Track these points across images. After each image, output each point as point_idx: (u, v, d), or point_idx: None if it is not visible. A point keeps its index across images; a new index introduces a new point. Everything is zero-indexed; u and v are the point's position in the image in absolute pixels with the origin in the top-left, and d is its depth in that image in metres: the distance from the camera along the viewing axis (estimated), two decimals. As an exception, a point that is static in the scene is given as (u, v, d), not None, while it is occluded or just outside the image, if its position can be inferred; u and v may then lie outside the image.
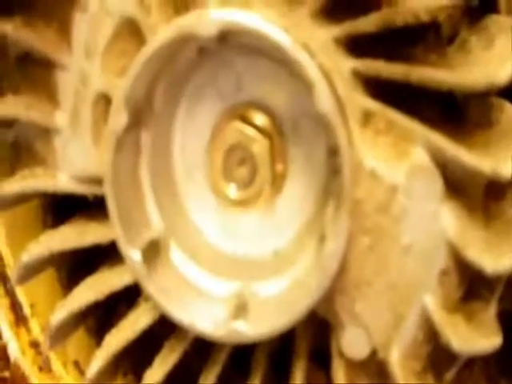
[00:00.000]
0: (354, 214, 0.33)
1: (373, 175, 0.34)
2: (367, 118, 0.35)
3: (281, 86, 0.38)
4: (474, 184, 0.33)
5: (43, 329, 0.47)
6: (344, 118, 0.34)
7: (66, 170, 0.41)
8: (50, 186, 0.42)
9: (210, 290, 0.39)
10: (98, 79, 0.39)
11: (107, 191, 0.38)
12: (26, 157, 0.43)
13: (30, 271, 0.43)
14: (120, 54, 0.39)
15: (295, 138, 0.39)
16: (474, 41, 0.36)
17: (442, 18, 0.34)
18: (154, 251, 0.39)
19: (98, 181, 0.40)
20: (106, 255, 0.43)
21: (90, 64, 0.39)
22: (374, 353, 0.35)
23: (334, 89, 0.34)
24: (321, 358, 0.40)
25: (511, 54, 0.32)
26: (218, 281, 0.39)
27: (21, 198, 0.43)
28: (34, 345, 0.47)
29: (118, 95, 0.36)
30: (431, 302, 0.33)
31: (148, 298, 0.40)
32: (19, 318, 0.47)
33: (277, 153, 0.39)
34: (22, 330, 0.47)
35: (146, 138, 0.40)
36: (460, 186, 0.33)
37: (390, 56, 0.34)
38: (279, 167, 0.39)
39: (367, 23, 0.34)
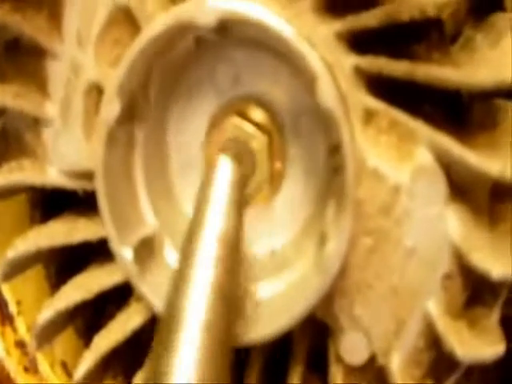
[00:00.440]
0: (355, 215, 0.32)
1: (375, 174, 0.33)
2: (369, 116, 0.34)
3: (281, 81, 0.37)
4: (479, 186, 0.32)
5: (29, 328, 0.46)
6: (346, 114, 0.33)
7: (56, 163, 0.40)
8: (39, 180, 0.40)
9: (205, 291, 0.38)
10: (91, 69, 0.38)
11: (98, 186, 0.37)
12: (15, 148, 0.41)
13: (16, 268, 0.41)
14: (113, 43, 0.38)
15: (294, 135, 0.38)
16: (480, 39, 0.35)
17: (445, 15, 0.34)
18: (147, 250, 0.38)
19: (88, 175, 0.38)
20: (95, 253, 0.42)
21: (82, 53, 0.38)
22: (373, 358, 0.34)
23: (337, 84, 0.33)
24: (315, 360, 0.40)
25: (520, 52, 0.31)
26: (213, 281, 0.38)
27: (6, 192, 0.41)
28: (20, 344, 0.46)
29: (111, 84, 0.35)
30: (434, 307, 0.32)
31: (140, 298, 0.39)
32: (4, 317, 0.46)
33: (276, 150, 0.38)
34: (8, 330, 0.46)
35: (139, 132, 0.38)
36: (465, 188, 0.32)
37: (392, 53, 0.33)
38: (278, 165, 0.38)
39: (370, 18, 0.33)
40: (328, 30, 0.33)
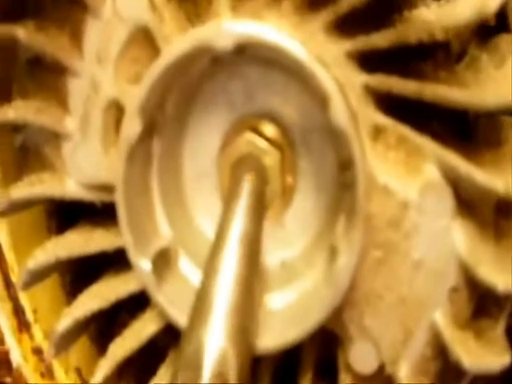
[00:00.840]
0: (366, 229, 0.33)
1: (385, 190, 0.34)
2: (378, 132, 0.35)
3: (292, 98, 0.38)
4: (485, 202, 0.33)
5: (46, 335, 0.47)
6: (357, 131, 0.34)
7: (75, 176, 0.41)
8: (58, 192, 0.41)
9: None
10: (110, 86, 0.39)
11: (118, 200, 0.38)
12: (34, 161, 0.42)
13: (36, 277, 0.42)
14: (132, 62, 0.39)
15: (305, 151, 0.39)
16: (485, 59, 0.36)
17: (451, 34, 0.35)
18: (163, 261, 0.39)
19: (106, 188, 0.40)
20: (110, 262, 0.43)
21: (101, 70, 0.39)
22: (381, 367, 0.35)
23: (348, 102, 0.34)
24: (324, 369, 0.40)
25: (526, 74, 0.33)
26: (226, 291, 0.39)
27: (27, 204, 0.43)
28: (37, 351, 0.47)
29: (132, 104, 0.36)
30: (441, 318, 0.33)
31: (154, 306, 0.40)
32: (22, 324, 0.47)
33: (287, 165, 0.39)
34: (25, 337, 0.47)
35: (157, 146, 0.39)
36: (471, 204, 0.33)
37: (400, 71, 0.34)
38: (289, 180, 0.39)
39: (380, 39, 0.34)
40: (338, 49, 0.34)
